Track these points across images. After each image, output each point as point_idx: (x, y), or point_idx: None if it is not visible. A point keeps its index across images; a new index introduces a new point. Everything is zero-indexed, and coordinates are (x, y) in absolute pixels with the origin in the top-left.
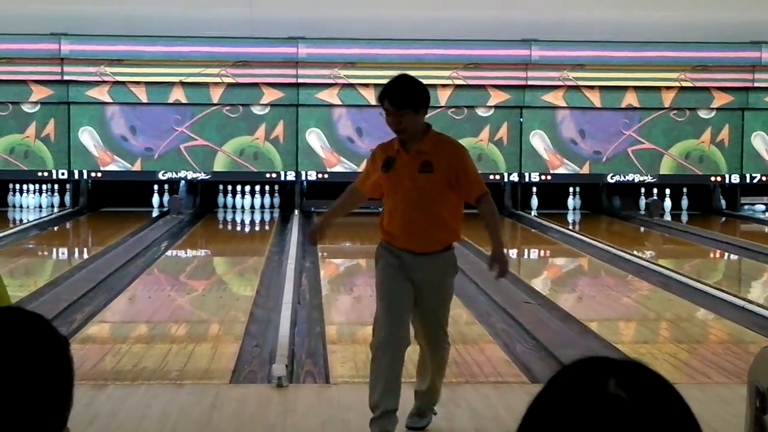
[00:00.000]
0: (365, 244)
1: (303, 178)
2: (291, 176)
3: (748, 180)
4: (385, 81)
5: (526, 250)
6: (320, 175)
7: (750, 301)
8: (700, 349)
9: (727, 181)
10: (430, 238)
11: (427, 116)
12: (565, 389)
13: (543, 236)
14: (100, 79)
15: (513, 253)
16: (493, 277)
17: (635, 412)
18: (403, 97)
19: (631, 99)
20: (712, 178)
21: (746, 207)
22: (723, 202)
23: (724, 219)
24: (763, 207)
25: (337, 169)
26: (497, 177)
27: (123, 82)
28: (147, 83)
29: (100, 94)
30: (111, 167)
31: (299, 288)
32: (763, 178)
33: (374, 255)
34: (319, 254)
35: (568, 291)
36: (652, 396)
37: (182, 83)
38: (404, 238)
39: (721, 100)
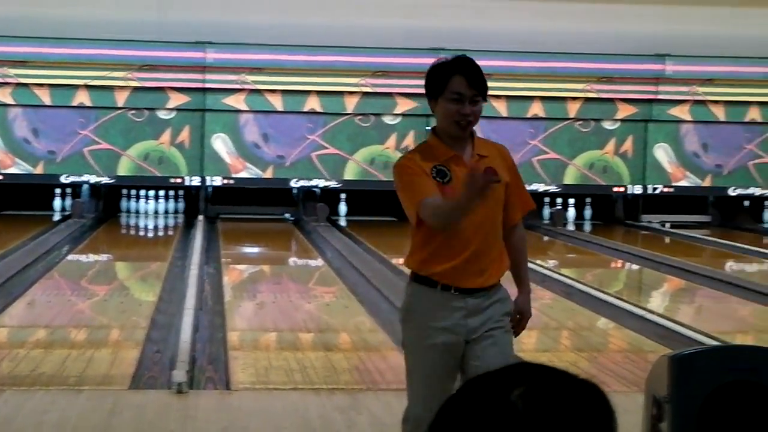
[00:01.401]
0: (269, 250)
1: (208, 183)
2: (196, 181)
3: (650, 191)
4: (293, 87)
5: None
6: (225, 181)
7: (650, 311)
8: (600, 358)
9: (629, 192)
10: (497, 267)
11: (333, 123)
12: (475, 391)
13: None
14: (2, 81)
15: None
16: (508, 328)
17: (525, 423)
18: (483, 80)
19: (537, 109)
20: (615, 189)
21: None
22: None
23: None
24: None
25: (243, 174)
26: None
27: (26, 84)
28: (51, 85)
29: (2, 96)
30: (12, 170)
31: (202, 294)
32: (665, 190)
33: (405, 299)
34: (223, 260)
35: None
36: (551, 409)
37: (87, 86)
38: (473, 273)
39: (625, 111)
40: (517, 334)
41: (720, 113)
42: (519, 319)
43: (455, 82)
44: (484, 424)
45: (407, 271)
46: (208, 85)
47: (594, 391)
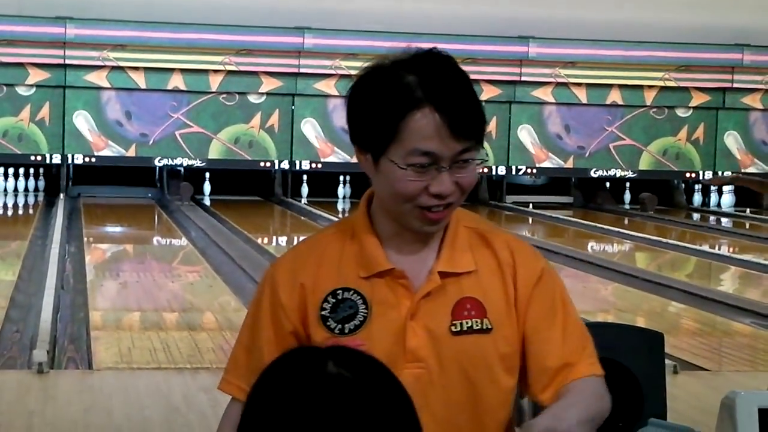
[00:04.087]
0: (132, 229)
1: (69, 161)
2: (57, 159)
3: (513, 172)
4: (156, 64)
5: (295, 238)
6: (87, 159)
7: None
8: None
9: (493, 173)
10: None
11: (197, 101)
12: (285, 375)
13: (312, 224)
14: None
15: (282, 240)
16: None
17: (358, 386)
18: (477, 109)
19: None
20: (479, 170)
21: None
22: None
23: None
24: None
25: (105, 153)
26: (268, 164)
27: None
28: None
29: None
30: None
31: (63, 273)
32: (528, 170)
33: None
34: (85, 239)
35: None
36: (369, 372)
37: None
38: None
39: (489, 92)
40: None
41: (582, 95)
42: None
43: (419, 124)
44: (318, 397)
45: (272, 251)
46: (68, 62)
47: (364, 353)
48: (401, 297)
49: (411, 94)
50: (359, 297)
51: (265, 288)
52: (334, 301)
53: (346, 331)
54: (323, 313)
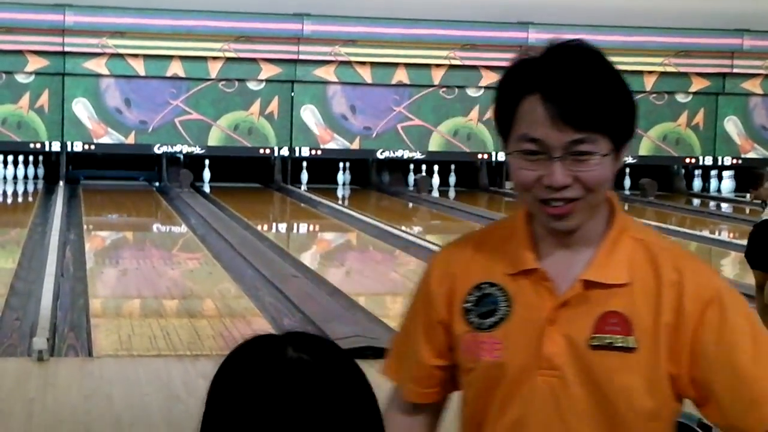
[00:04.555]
0: (132, 216)
1: (69, 148)
2: (56, 147)
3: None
4: (155, 52)
5: (295, 225)
6: (87, 146)
7: None
8: None
9: (493, 159)
10: None
11: (196, 88)
12: (245, 361)
13: (312, 210)
14: None
15: (282, 227)
16: None
17: (318, 370)
18: (594, 105)
19: (401, 76)
20: (479, 156)
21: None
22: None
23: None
24: None
25: (104, 140)
26: (267, 151)
27: None
28: None
29: None
30: None
31: (63, 260)
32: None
33: None
34: (85, 227)
35: (336, 265)
36: (328, 356)
37: None
38: None
39: (489, 78)
40: None
41: None
42: None
43: (528, 110)
44: (279, 382)
45: (272, 237)
46: (67, 49)
47: (322, 337)
48: (545, 300)
49: (528, 81)
50: (502, 294)
51: (424, 275)
52: (479, 294)
53: (485, 326)
54: (466, 305)
